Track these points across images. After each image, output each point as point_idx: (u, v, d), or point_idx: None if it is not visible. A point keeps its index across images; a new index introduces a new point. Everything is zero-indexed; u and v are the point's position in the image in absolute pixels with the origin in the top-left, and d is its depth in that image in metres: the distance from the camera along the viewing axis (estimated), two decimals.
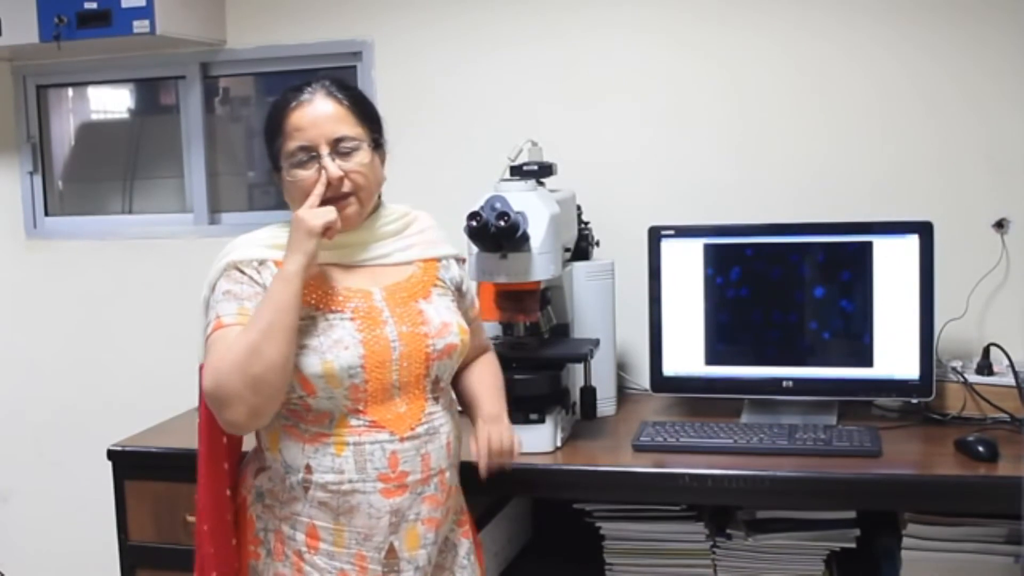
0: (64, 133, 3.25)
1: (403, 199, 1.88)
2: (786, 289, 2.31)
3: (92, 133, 3.29)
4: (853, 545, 2.07)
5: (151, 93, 3.18)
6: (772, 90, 2.56)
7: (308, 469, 1.67)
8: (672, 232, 2.35)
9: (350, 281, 1.73)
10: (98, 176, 3.24)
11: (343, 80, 1.78)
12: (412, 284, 1.76)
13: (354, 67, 2.86)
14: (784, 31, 2.55)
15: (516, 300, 2.13)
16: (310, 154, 1.69)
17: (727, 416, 2.29)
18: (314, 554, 1.69)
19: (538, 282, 2.11)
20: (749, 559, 2.10)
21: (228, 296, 1.68)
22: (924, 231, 2.22)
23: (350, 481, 1.65)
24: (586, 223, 2.46)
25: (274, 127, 1.73)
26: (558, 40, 2.68)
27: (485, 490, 1.89)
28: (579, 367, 2.21)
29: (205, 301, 1.72)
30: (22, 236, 3.17)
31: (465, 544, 1.84)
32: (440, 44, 2.77)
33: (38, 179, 3.16)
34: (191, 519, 2.20)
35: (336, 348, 1.65)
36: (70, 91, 3.23)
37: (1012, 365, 2.28)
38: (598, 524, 2.14)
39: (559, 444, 2.13)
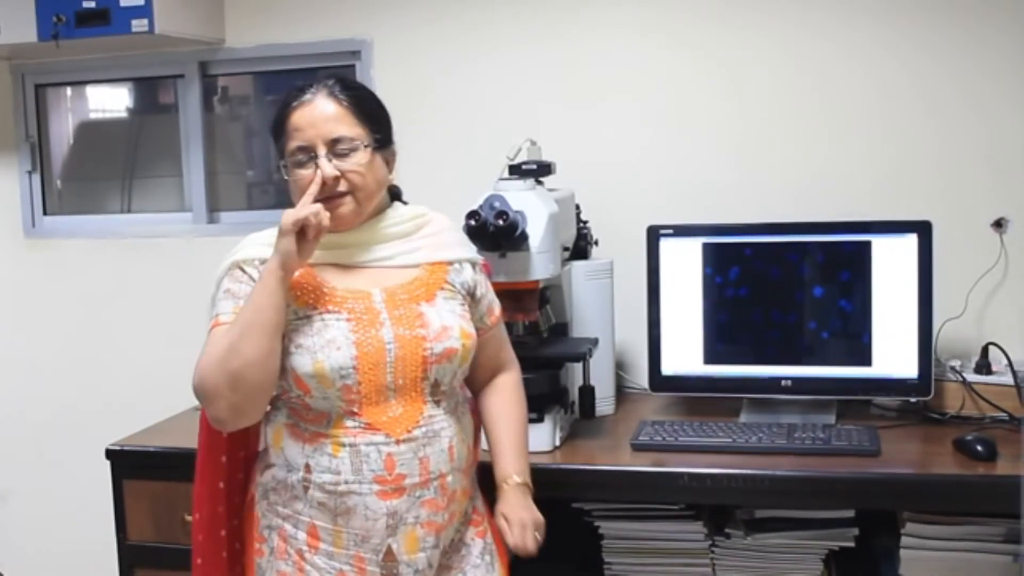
0: (63, 132, 3.24)
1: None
2: (785, 288, 2.31)
3: (91, 132, 3.29)
4: (852, 544, 2.07)
5: (150, 92, 3.17)
6: (772, 90, 2.56)
7: (307, 468, 1.67)
8: (671, 231, 2.35)
9: (349, 282, 1.72)
10: (97, 175, 3.24)
11: (349, 80, 1.78)
12: (414, 286, 1.74)
13: (353, 66, 2.86)
14: (784, 31, 2.55)
15: (515, 299, 2.12)
16: (308, 154, 1.69)
17: (726, 415, 2.29)
18: (315, 554, 1.69)
19: (537, 281, 2.11)
20: (748, 558, 2.10)
21: (227, 295, 1.70)
22: (923, 230, 2.22)
23: (346, 482, 1.65)
24: (585, 222, 2.46)
25: (277, 126, 1.74)
26: (558, 40, 2.68)
27: (482, 490, 1.88)
28: (578, 366, 2.21)
29: (211, 299, 1.73)
30: (21, 235, 3.16)
31: (479, 544, 1.81)
32: (439, 44, 2.77)
33: (37, 178, 3.16)
34: (190, 518, 2.21)
35: (328, 348, 1.64)
36: (69, 90, 3.23)
37: (1011, 364, 2.28)
38: (597, 523, 2.14)
39: (558, 443, 2.13)
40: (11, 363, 3.19)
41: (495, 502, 1.81)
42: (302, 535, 1.70)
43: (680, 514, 2.10)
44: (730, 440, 2.09)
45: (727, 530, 2.10)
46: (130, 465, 2.29)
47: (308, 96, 1.71)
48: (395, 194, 1.85)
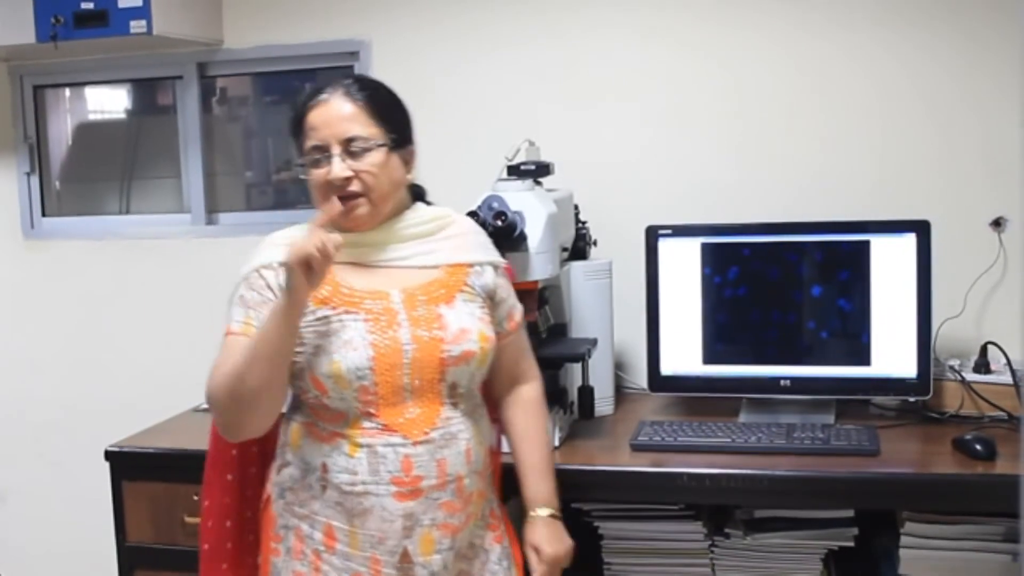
0: (61, 133, 3.24)
1: None
2: (784, 288, 2.31)
3: (89, 133, 3.29)
4: (851, 544, 2.07)
5: (148, 93, 3.17)
6: (772, 90, 2.56)
7: (324, 468, 1.68)
8: (669, 231, 2.35)
9: (367, 281, 1.71)
10: (95, 176, 3.24)
11: (368, 79, 1.78)
12: (434, 288, 1.73)
13: (351, 67, 2.85)
14: (784, 31, 2.55)
15: None
16: (324, 153, 1.69)
17: (725, 415, 2.29)
18: (331, 554, 1.69)
19: (536, 281, 2.11)
20: (747, 558, 2.10)
21: (240, 302, 1.71)
22: (921, 230, 2.22)
23: (363, 483, 1.65)
24: (583, 223, 2.46)
25: (296, 125, 1.74)
26: (558, 40, 2.68)
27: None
28: (577, 367, 2.21)
29: (229, 298, 1.74)
30: (19, 237, 3.16)
31: (497, 549, 1.81)
32: (439, 44, 2.77)
33: (35, 180, 3.16)
34: (189, 520, 2.21)
35: (345, 349, 1.64)
36: (67, 91, 3.23)
37: (1009, 363, 2.28)
38: (596, 523, 2.14)
39: (557, 444, 2.13)
40: (11, 364, 3.19)
41: (518, 519, 1.83)
42: (318, 535, 1.70)
43: (679, 514, 2.10)
44: (729, 440, 2.09)
45: (726, 530, 2.10)
46: (129, 466, 2.28)
47: (325, 95, 1.71)
48: (418, 194, 1.85)
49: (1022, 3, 1.81)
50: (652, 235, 2.35)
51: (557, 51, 2.68)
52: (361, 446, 1.65)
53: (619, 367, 2.57)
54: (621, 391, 2.55)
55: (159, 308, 3.03)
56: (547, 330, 2.27)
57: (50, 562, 3.18)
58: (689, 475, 1.99)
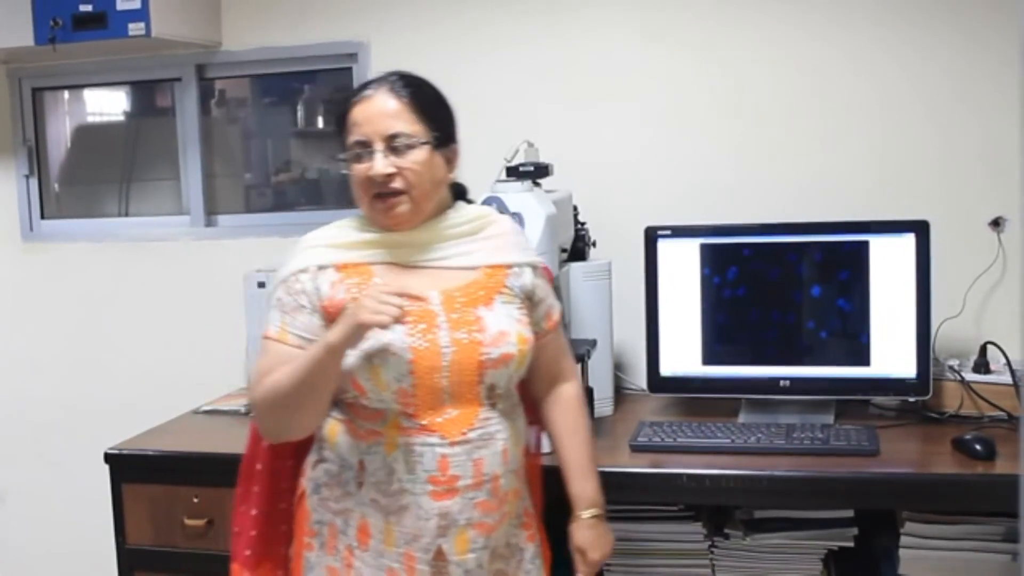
0: (60, 136, 3.24)
1: None
2: (783, 289, 2.31)
3: (88, 135, 3.28)
4: (851, 544, 2.07)
5: (147, 95, 3.17)
6: (771, 91, 2.56)
7: (361, 465, 1.68)
8: (668, 232, 2.35)
9: (406, 282, 1.68)
10: (94, 179, 3.24)
11: (412, 76, 1.77)
12: (472, 289, 1.72)
13: (350, 68, 2.85)
14: (784, 32, 2.55)
15: None
16: (366, 149, 1.69)
17: (725, 416, 2.29)
18: (364, 551, 1.69)
19: None
20: (747, 559, 2.10)
21: (278, 305, 1.72)
22: (920, 230, 2.22)
23: (399, 481, 1.65)
24: (582, 223, 2.46)
25: (340, 120, 1.74)
26: (558, 40, 2.68)
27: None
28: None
29: (268, 298, 1.75)
30: (18, 239, 3.16)
31: (531, 548, 1.81)
32: (438, 45, 2.76)
33: (34, 182, 3.16)
34: (189, 522, 2.21)
35: (384, 352, 1.63)
36: (66, 94, 3.22)
37: (1009, 363, 2.28)
38: None
39: None
40: (10, 365, 3.19)
41: (562, 514, 1.84)
42: (352, 531, 1.70)
43: (679, 515, 2.10)
44: (729, 441, 2.09)
45: (726, 531, 2.10)
46: (129, 468, 2.28)
47: (370, 91, 1.71)
48: (460, 193, 1.84)
49: (1022, 3, 1.81)
50: (651, 236, 2.35)
51: (557, 51, 2.68)
52: (398, 445, 1.65)
53: (618, 368, 2.57)
54: (620, 392, 2.55)
55: (158, 310, 3.03)
56: None
57: (50, 562, 3.18)
58: (689, 476, 1.99)
